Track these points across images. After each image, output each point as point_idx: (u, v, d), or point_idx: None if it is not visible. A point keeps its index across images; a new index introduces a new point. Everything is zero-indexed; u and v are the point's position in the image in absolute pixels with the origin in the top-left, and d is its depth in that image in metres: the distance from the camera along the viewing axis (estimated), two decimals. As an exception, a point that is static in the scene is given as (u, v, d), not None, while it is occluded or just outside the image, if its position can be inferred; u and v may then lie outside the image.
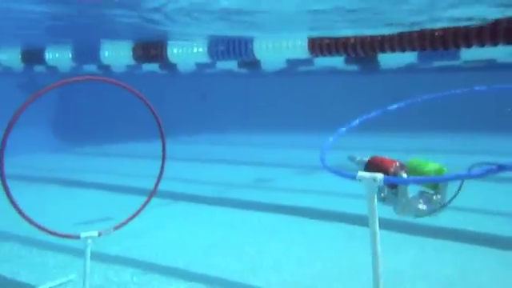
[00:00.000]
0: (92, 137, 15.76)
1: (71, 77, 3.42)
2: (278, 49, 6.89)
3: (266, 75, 15.89)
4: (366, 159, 2.99)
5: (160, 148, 3.85)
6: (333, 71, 13.71)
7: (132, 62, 7.98)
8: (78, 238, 3.30)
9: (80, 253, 3.44)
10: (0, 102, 16.44)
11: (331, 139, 2.84)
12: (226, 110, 18.71)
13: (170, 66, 12.52)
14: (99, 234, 3.37)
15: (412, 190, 2.85)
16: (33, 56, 8.58)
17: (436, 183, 2.75)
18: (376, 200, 2.48)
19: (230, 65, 12.43)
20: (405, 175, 2.75)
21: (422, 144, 12.73)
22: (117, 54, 7.85)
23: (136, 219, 3.81)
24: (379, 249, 2.34)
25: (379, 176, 2.42)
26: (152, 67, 12.53)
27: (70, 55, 8.19)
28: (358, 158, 3.04)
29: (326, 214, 7.04)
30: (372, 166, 2.91)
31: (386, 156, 2.94)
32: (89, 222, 6.69)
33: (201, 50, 7.59)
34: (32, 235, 6.42)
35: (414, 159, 2.88)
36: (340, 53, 6.44)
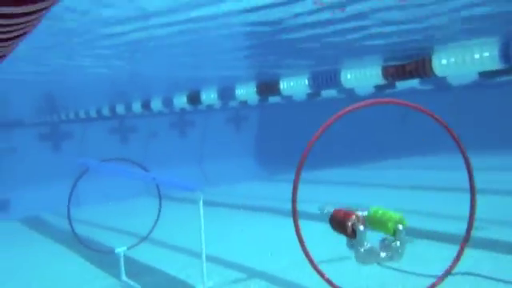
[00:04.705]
0: (293, 164, 15.37)
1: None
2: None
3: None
4: (331, 211, 3.03)
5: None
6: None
7: (381, 82, 7.44)
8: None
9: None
10: (215, 133, 17.74)
11: None
12: (381, 131, 16.93)
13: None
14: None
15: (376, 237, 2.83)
16: (268, 87, 8.48)
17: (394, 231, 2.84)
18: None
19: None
20: (362, 227, 2.81)
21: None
22: (362, 76, 7.22)
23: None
24: None
25: None
26: (329, 93, 12.06)
27: (307, 82, 7.98)
28: (326, 210, 3.10)
29: None
30: (335, 220, 2.98)
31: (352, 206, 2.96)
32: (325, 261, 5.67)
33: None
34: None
35: (375, 208, 2.95)
36: None
